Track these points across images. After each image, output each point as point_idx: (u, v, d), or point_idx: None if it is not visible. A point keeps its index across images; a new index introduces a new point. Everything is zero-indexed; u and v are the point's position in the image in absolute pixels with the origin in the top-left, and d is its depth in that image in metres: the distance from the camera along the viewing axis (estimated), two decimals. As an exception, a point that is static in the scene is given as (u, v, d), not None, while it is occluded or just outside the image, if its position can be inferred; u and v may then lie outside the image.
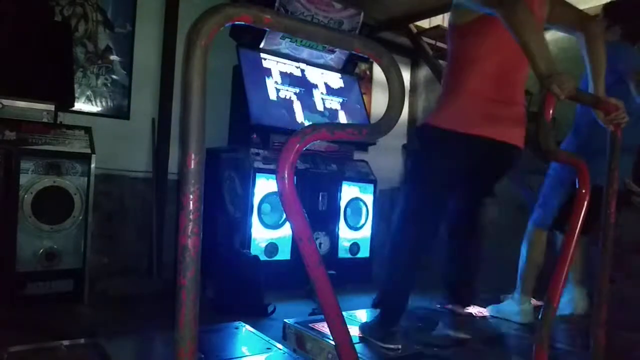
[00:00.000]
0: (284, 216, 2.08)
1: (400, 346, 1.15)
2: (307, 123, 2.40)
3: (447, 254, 1.39)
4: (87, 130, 1.80)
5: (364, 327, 1.24)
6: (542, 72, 0.92)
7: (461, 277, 1.38)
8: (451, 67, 1.23)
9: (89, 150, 1.74)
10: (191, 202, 0.46)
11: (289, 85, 2.48)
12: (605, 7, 1.61)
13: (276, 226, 2.17)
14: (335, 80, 2.73)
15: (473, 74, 1.16)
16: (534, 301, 1.63)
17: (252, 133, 2.23)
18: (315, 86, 2.60)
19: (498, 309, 1.58)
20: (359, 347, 1.14)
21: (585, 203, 0.97)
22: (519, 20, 0.95)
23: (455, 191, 1.25)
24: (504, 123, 1.17)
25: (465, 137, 1.14)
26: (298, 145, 0.56)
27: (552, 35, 2.03)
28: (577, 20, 1.24)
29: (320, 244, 2.24)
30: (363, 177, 2.52)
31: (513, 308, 1.54)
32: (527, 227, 1.61)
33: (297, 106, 2.45)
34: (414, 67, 3.62)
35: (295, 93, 2.48)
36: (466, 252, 1.36)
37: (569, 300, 1.60)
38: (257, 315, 1.70)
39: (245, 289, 1.79)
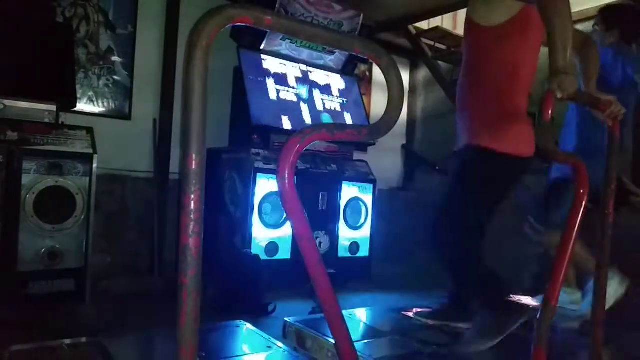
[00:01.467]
0: (285, 216, 2.09)
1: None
2: (307, 124, 2.41)
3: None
4: (89, 130, 1.80)
5: (431, 314, 1.23)
6: (557, 68, 0.91)
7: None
8: (488, 73, 1.14)
9: (90, 151, 1.75)
10: (192, 202, 0.46)
11: (289, 86, 2.49)
12: (602, 11, 1.63)
13: (277, 226, 2.17)
14: (335, 81, 2.74)
15: (518, 85, 1.13)
16: (530, 299, 1.61)
17: (253, 133, 2.24)
18: (315, 87, 2.61)
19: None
20: (358, 345, 1.14)
21: (584, 203, 0.98)
22: (558, 11, 0.92)
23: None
24: (533, 135, 1.18)
25: (522, 159, 1.14)
26: (298, 145, 0.56)
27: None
28: (576, 40, 1.24)
29: (320, 243, 2.24)
30: (363, 177, 2.53)
31: (563, 299, 1.49)
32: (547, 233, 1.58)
33: (297, 107, 2.46)
34: (413, 68, 3.63)
35: (295, 94, 2.49)
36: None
37: None
38: (258, 314, 1.71)
39: (246, 288, 1.79)
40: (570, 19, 0.94)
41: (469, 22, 1.19)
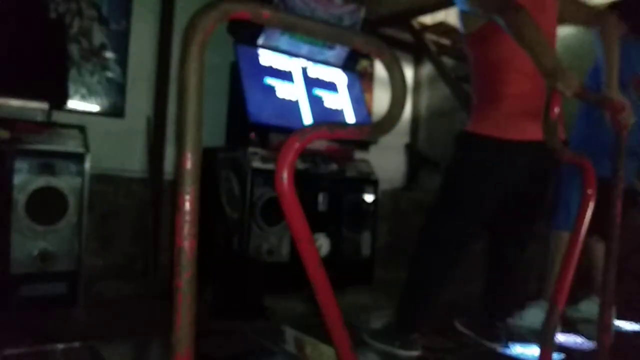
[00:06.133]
0: (283, 217, 2.05)
1: (419, 353, 1.10)
2: (306, 122, 2.38)
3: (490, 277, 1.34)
4: (82, 129, 1.77)
5: (376, 334, 1.19)
6: (547, 70, 0.92)
7: (499, 291, 1.33)
8: (482, 72, 1.20)
9: (83, 150, 1.71)
10: (187, 203, 0.45)
11: (288, 82, 2.45)
12: (613, 5, 1.60)
13: (275, 227, 2.15)
14: (336, 77, 2.70)
15: (510, 75, 1.14)
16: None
17: (250, 132, 2.21)
18: (316, 83, 2.58)
19: (524, 317, 1.49)
20: (359, 351, 1.12)
21: (592, 204, 0.96)
22: (520, 25, 0.95)
23: (498, 198, 1.19)
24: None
25: (513, 143, 1.12)
26: (298, 144, 0.55)
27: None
28: (591, 16, 1.25)
29: (320, 245, 2.22)
30: (364, 176, 2.50)
31: (539, 318, 1.41)
32: (550, 233, 1.56)
33: (297, 104, 2.43)
34: (416, 64, 3.59)
35: (294, 90, 2.46)
36: (506, 266, 1.31)
37: None
38: (255, 318, 1.68)
39: (243, 291, 1.77)
40: (535, 26, 0.96)
41: (463, 36, 1.25)
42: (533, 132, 1.13)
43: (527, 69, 1.12)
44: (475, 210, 1.17)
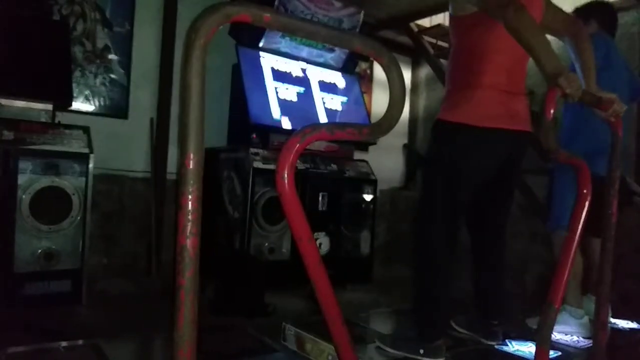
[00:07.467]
0: (284, 216, 2.07)
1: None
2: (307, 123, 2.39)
3: (472, 264, 1.34)
4: (86, 130, 1.78)
5: (396, 342, 1.15)
6: (550, 72, 0.92)
7: (487, 288, 1.32)
8: (461, 59, 1.19)
9: (87, 150, 1.73)
10: (190, 202, 0.46)
11: (289, 84, 2.47)
12: (576, 10, 1.64)
13: (276, 226, 2.16)
14: (336, 79, 2.72)
15: (488, 66, 1.13)
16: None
17: (252, 133, 2.23)
18: (315, 85, 2.60)
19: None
20: (359, 348, 1.13)
21: (587, 203, 0.97)
22: (522, 26, 0.95)
23: (475, 187, 1.20)
24: (517, 113, 1.16)
25: (487, 131, 1.12)
26: (298, 145, 0.55)
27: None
28: (567, 24, 1.27)
29: (320, 244, 2.23)
30: (363, 176, 2.52)
31: (569, 323, 1.40)
32: (548, 234, 1.56)
33: (297, 106, 2.45)
34: (415, 66, 3.61)
35: (294, 92, 2.48)
36: (489, 262, 1.31)
37: None
38: (257, 316, 1.70)
39: (244, 289, 1.78)
40: (537, 26, 0.97)
41: (450, 17, 1.24)
42: (506, 122, 1.14)
43: (506, 63, 1.14)
44: (455, 200, 1.16)
